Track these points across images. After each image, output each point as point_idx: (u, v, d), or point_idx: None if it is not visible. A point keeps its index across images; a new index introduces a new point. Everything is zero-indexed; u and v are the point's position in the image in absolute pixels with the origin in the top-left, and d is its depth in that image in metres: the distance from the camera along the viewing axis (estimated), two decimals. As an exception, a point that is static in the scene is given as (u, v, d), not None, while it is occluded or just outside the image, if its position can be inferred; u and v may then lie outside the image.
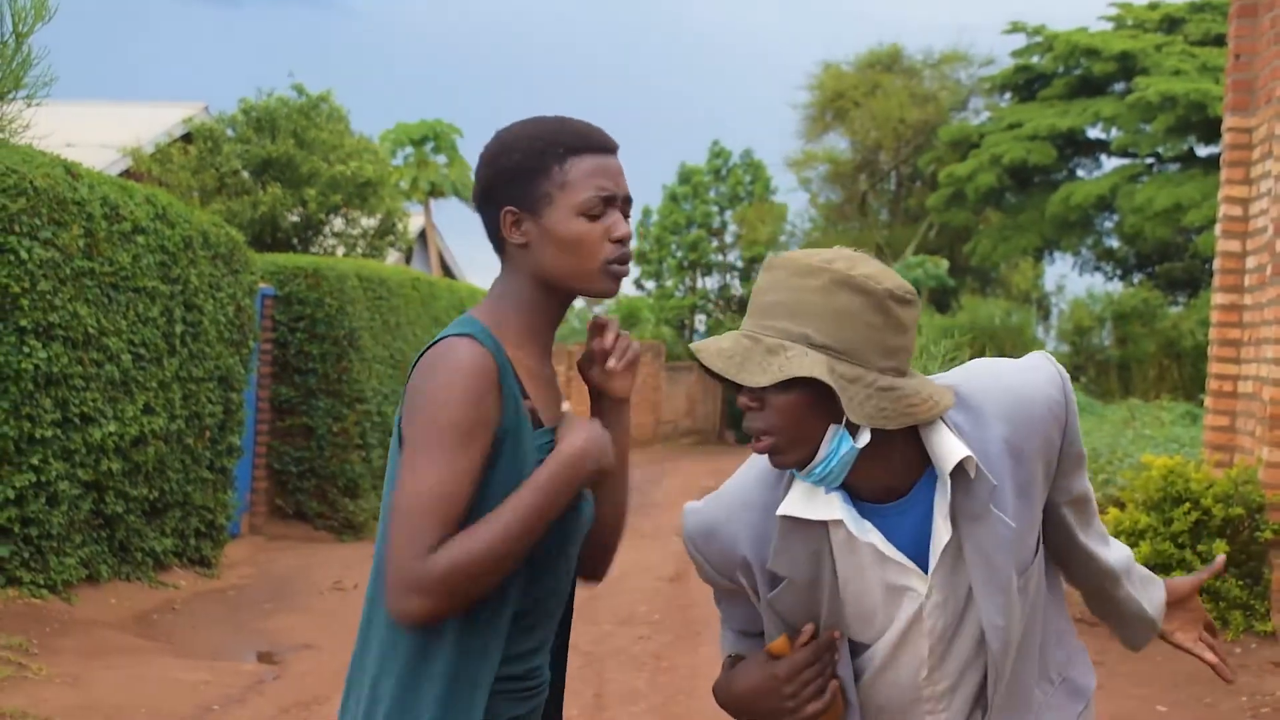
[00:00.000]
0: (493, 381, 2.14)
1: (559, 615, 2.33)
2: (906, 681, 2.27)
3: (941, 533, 2.17)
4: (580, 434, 2.19)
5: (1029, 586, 2.23)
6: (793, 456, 2.14)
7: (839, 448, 2.12)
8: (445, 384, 2.12)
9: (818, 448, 2.13)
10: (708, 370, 2.18)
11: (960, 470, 2.15)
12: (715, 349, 2.13)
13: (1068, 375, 2.27)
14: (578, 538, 2.31)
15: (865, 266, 2.12)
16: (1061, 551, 2.38)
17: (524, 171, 2.22)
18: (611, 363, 2.33)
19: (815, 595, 2.23)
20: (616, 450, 2.35)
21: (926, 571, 2.19)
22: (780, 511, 2.18)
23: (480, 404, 2.12)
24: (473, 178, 2.34)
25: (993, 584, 2.18)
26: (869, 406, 2.09)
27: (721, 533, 2.27)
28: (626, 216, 2.27)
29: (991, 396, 2.21)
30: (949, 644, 2.23)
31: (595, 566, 2.46)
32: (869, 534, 2.18)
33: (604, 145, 2.26)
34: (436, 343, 2.18)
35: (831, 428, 2.12)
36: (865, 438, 2.12)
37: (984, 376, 2.24)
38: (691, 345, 2.18)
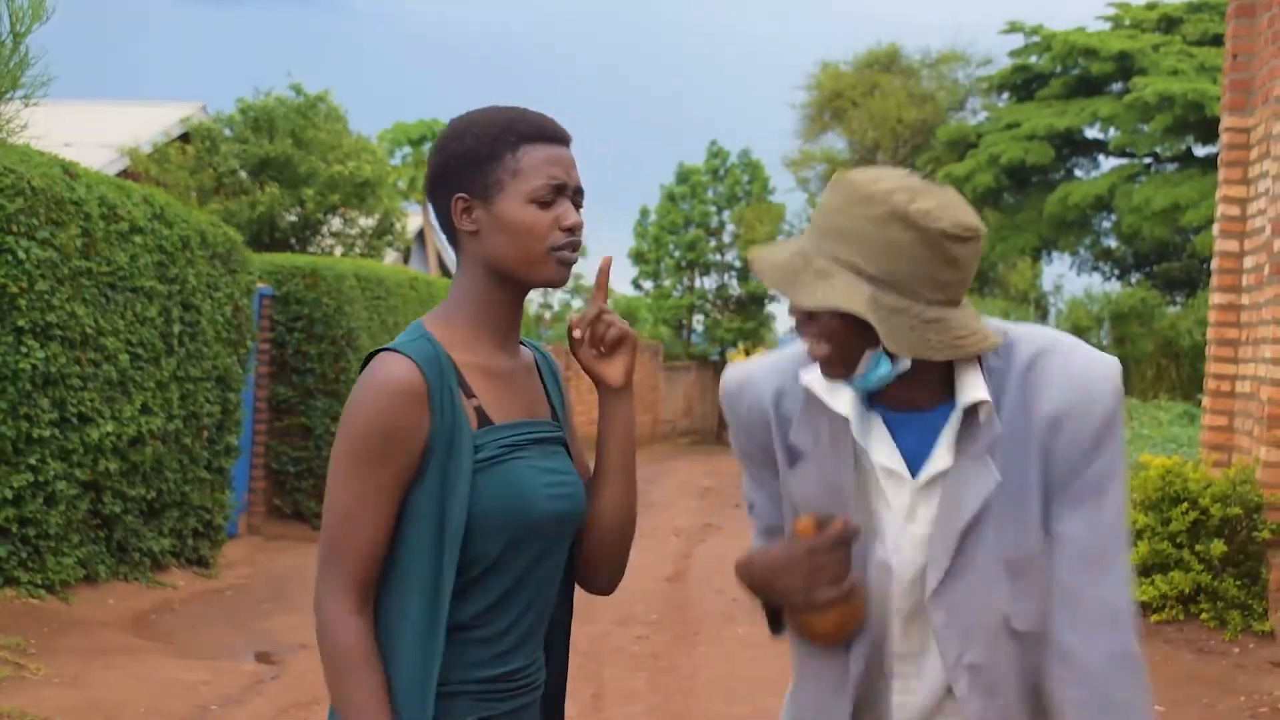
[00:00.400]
0: (415, 396, 2.14)
1: (542, 617, 2.31)
2: (880, 627, 2.27)
3: (940, 459, 2.19)
4: None
5: (1027, 576, 2.18)
6: (839, 369, 2.18)
7: (875, 369, 2.16)
8: (361, 403, 2.16)
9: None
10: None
11: (973, 410, 2.17)
12: (770, 262, 2.17)
13: (1119, 394, 2.21)
14: (560, 541, 2.29)
15: (926, 201, 2.11)
16: None
17: (477, 158, 2.22)
18: (576, 333, 2.33)
19: (833, 479, 2.25)
20: (620, 445, 2.35)
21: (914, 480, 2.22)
22: (802, 380, 2.24)
23: (395, 422, 2.13)
24: None
25: (946, 524, 2.18)
26: (911, 338, 2.11)
27: (753, 387, 2.33)
28: (578, 207, 2.27)
29: (1036, 346, 2.21)
30: (923, 593, 2.23)
31: (605, 575, 2.42)
32: (868, 438, 2.23)
33: (557, 135, 2.26)
34: (374, 355, 2.20)
35: (869, 353, 2.15)
36: (905, 364, 2.16)
37: (1057, 341, 2.23)
38: (749, 252, 2.22)
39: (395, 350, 2.18)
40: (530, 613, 2.26)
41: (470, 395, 2.21)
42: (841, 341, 2.15)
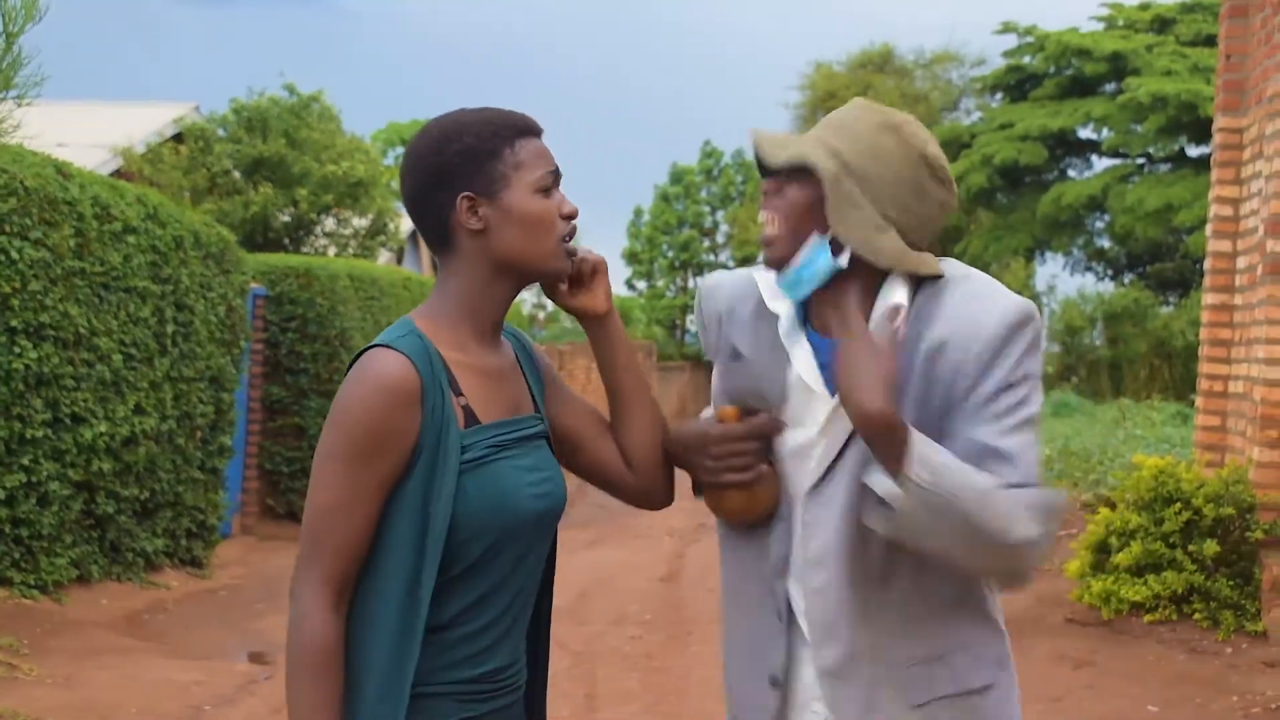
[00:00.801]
0: (409, 394, 2.14)
1: (522, 616, 2.30)
2: (789, 536, 2.36)
3: None
4: None
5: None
6: (784, 249, 2.31)
7: (816, 257, 2.28)
8: (355, 399, 2.14)
9: None
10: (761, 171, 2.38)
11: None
12: (769, 135, 2.35)
13: (1014, 330, 2.24)
14: (525, 532, 2.27)
15: (918, 130, 2.32)
16: None
17: (477, 155, 2.22)
18: (562, 286, 2.36)
19: (762, 386, 2.38)
20: (628, 363, 2.40)
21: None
22: (755, 273, 2.40)
23: (388, 419, 2.12)
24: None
25: (840, 426, 2.28)
26: (859, 233, 2.26)
27: (720, 291, 2.50)
28: None
29: (948, 276, 2.31)
30: (821, 506, 2.32)
31: (662, 490, 2.46)
32: (795, 346, 2.35)
33: (539, 128, 2.30)
34: (366, 351, 2.19)
35: (816, 235, 2.28)
36: (844, 260, 2.28)
37: (969, 277, 2.32)
38: (752, 129, 2.37)
39: (389, 346, 2.17)
40: (510, 612, 2.26)
41: (458, 394, 2.20)
42: (796, 217, 2.29)
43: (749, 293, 2.43)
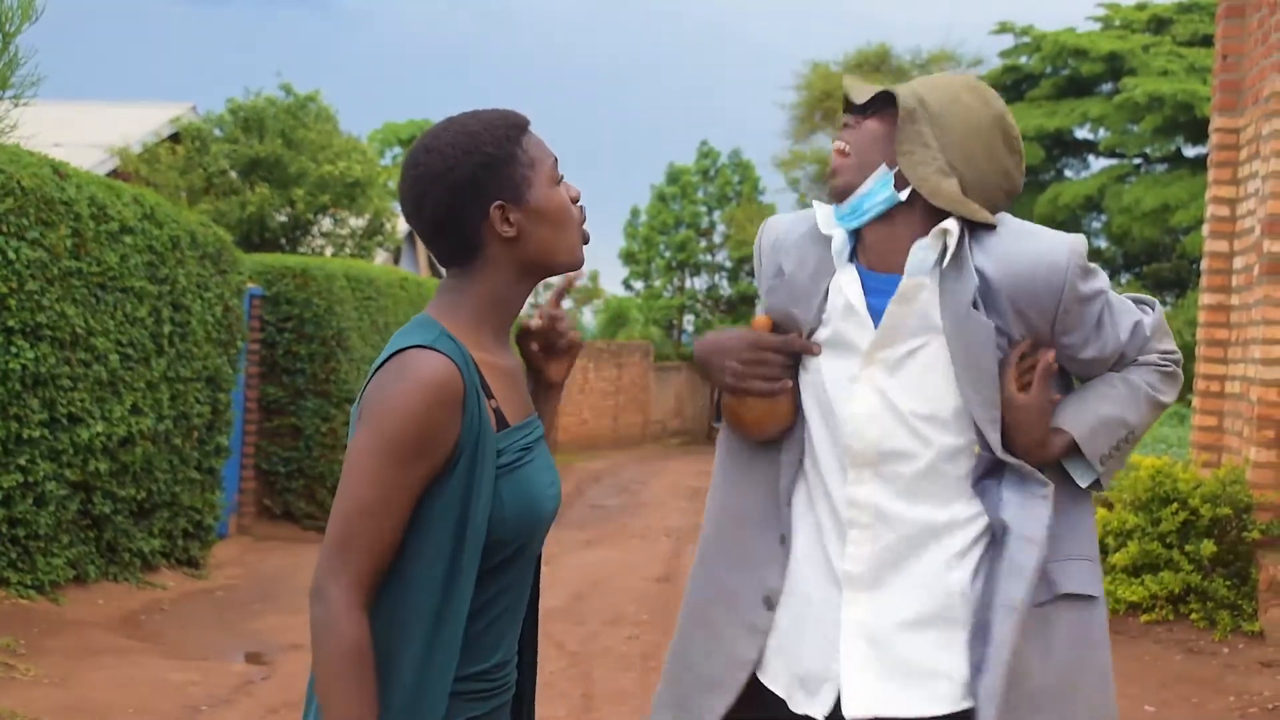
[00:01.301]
0: (455, 397, 2.12)
1: (518, 612, 2.30)
2: (834, 473, 2.47)
3: (909, 279, 2.40)
4: None
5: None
6: (848, 177, 2.45)
7: (879, 189, 2.41)
8: (401, 399, 2.11)
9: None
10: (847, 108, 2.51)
11: (952, 266, 2.39)
12: (858, 79, 2.50)
13: (1085, 259, 2.43)
14: (542, 532, 2.28)
15: (1000, 99, 2.47)
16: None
17: (498, 161, 2.20)
18: (534, 323, 2.38)
19: (798, 305, 2.51)
20: (548, 424, 2.42)
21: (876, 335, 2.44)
22: (814, 203, 2.54)
23: (434, 422, 2.11)
24: (419, 197, 2.23)
25: (977, 373, 2.39)
26: (922, 170, 2.39)
27: (777, 224, 2.65)
28: None
29: (1004, 236, 2.43)
30: (874, 428, 2.43)
31: None
32: (845, 268, 2.47)
33: (529, 120, 2.30)
34: (399, 352, 2.15)
35: (883, 167, 2.41)
36: (904, 195, 2.41)
37: (1019, 225, 2.47)
38: (846, 78, 2.50)
39: (429, 347, 2.14)
40: (511, 609, 2.26)
41: (490, 396, 2.20)
42: (868, 146, 2.44)
43: (804, 220, 2.57)
